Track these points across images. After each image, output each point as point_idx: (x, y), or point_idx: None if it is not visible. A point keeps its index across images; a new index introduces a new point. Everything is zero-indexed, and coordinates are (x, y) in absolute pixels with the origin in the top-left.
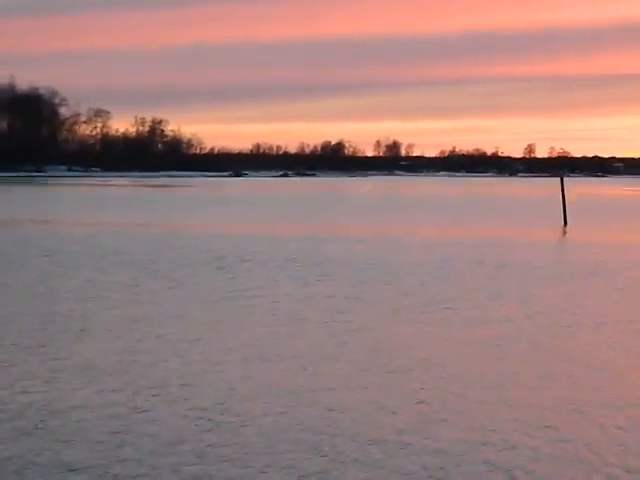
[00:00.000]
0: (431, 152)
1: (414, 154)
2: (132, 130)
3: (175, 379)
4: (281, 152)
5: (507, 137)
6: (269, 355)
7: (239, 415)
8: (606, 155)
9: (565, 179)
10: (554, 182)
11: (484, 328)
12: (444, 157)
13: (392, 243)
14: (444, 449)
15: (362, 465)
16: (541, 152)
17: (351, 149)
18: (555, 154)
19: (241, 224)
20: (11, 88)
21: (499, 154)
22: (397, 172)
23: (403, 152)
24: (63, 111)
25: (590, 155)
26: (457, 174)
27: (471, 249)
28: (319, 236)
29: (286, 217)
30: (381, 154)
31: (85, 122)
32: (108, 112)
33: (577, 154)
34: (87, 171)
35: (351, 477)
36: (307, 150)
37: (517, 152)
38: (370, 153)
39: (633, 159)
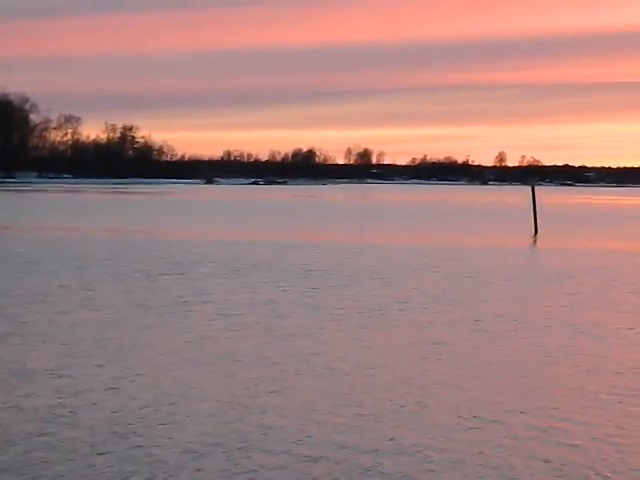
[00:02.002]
0: (402, 160)
1: (385, 162)
2: (103, 137)
3: (104, 384)
4: (252, 160)
5: (478, 145)
6: (203, 359)
7: (166, 418)
8: (577, 164)
9: (536, 188)
10: (525, 190)
11: (424, 333)
12: (415, 165)
13: (355, 250)
14: (366, 447)
15: (289, 471)
16: (512, 161)
17: (322, 157)
18: (526, 163)
19: (207, 230)
20: None
21: (470, 162)
22: (368, 180)
23: (374, 160)
24: (34, 117)
25: (561, 164)
26: (428, 182)
27: (434, 256)
28: (281, 243)
29: (250, 224)
30: (352, 162)
31: (56, 128)
32: (79, 118)
33: (548, 163)
34: (58, 177)
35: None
36: (278, 158)
37: (488, 160)
38: (341, 161)
39: (603, 168)
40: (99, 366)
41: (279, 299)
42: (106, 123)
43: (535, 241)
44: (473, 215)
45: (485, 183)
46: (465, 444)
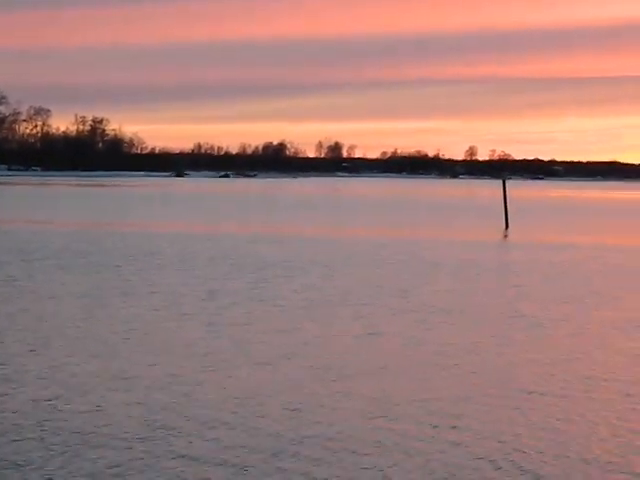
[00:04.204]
0: (373, 154)
1: (356, 156)
2: (73, 129)
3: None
4: (222, 153)
5: (448, 139)
6: (132, 348)
7: (95, 404)
8: (546, 158)
9: (506, 182)
10: (495, 184)
11: (361, 323)
12: (386, 159)
13: (313, 243)
14: (279, 431)
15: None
16: (482, 155)
17: (293, 150)
18: (496, 157)
19: (170, 223)
20: None
21: (440, 156)
22: (339, 174)
23: (345, 154)
24: (3, 109)
25: (531, 158)
26: (398, 176)
27: (397, 249)
28: (241, 236)
29: (215, 217)
30: (323, 155)
31: (25, 121)
32: (49, 110)
33: (518, 157)
34: (27, 170)
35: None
36: (249, 151)
37: (458, 154)
38: (312, 154)
39: (573, 162)
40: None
41: (225, 291)
42: (76, 115)
43: (506, 235)
44: (444, 209)
45: (456, 177)
46: (368, 433)
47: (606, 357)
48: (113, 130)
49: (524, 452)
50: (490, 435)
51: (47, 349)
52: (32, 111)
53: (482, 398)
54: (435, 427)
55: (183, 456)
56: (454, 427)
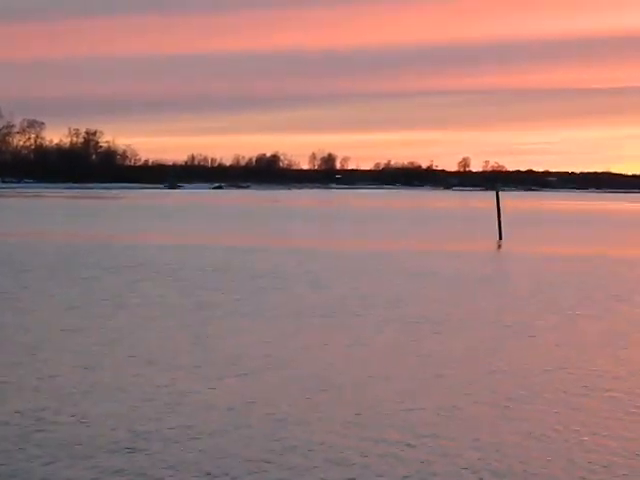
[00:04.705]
0: (366, 165)
1: (349, 167)
2: (66, 141)
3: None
4: (216, 164)
5: (442, 151)
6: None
7: (55, 417)
8: (540, 169)
9: (500, 193)
10: (489, 195)
11: (346, 332)
12: (379, 170)
13: (304, 255)
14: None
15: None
16: (475, 166)
17: (286, 162)
18: (489, 168)
19: (161, 235)
20: None
21: (434, 168)
22: (332, 185)
23: (338, 165)
24: None
25: (524, 169)
26: (392, 187)
27: (388, 261)
28: (232, 247)
29: (205, 229)
30: (316, 167)
31: (19, 133)
32: (42, 123)
33: (511, 168)
34: (20, 182)
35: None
36: (242, 162)
37: (452, 166)
38: (305, 166)
39: (566, 173)
40: None
41: (213, 302)
42: (69, 128)
43: (499, 246)
44: (438, 220)
45: (449, 188)
46: (352, 443)
47: (592, 367)
48: (107, 142)
49: (507, 462)
50: (473, 445)
51: (33, 360)
52: (25, 123)
53: (466, 408)
54: (419, 437)
55: (167, 467)
56: (437, 437)
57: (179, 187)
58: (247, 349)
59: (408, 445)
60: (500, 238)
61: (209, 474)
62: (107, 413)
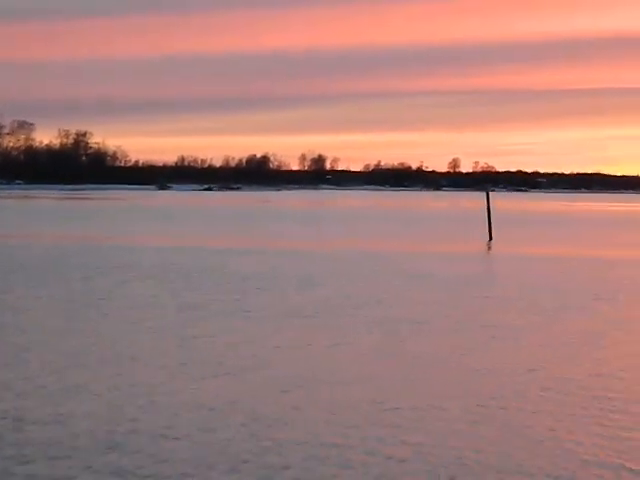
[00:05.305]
0: (356, 166)
1: (339, 168)
2: (56, 142)
3: None
4: (206, 165)
5: (432, 152)
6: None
7: (32, 417)
8: (529, 170)
9: (490, 194)
10: (479, 196)
11: (325, 334)
12: (369, 171)
13: (291, 255)
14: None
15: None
16: (465, 167)
17: (276, 163)
18: (479, 169)
19: (148, 236)
20: None
21: (424, 168)
22: (322, 186)
23: (328, 166)
24: None
25: (514, 170)
26: (382, 188)
27: (376, 261)
28: (218, 249)
29: (192, 230)
30: (306, 168)
31: (9, 134)
32: (32, 124)
33: (501, 169)
34: (10, 183)
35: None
36: (232, 163)
37: (442, 166)
38: (295, 167)
39: (556, 173)
40: None
41: (198, 303)
42: (59, 129)
43: (489, 247)
44: (428, 221)
45: (439, 189)
46: (330, 442)
47: (571, 368)
48: (96, 143)
49: (485, 462)
50: (451, 444)
51: (16, 361)
52: (15, 125)
53: (446, 407)
54: (397, 436)
55: (147, 466)
56: (416, 436)
57: (169, 188)
58: (230, 349)
59: (385, 444)
60: (490, 239)
61: (187, 474)
62: (86, 413)
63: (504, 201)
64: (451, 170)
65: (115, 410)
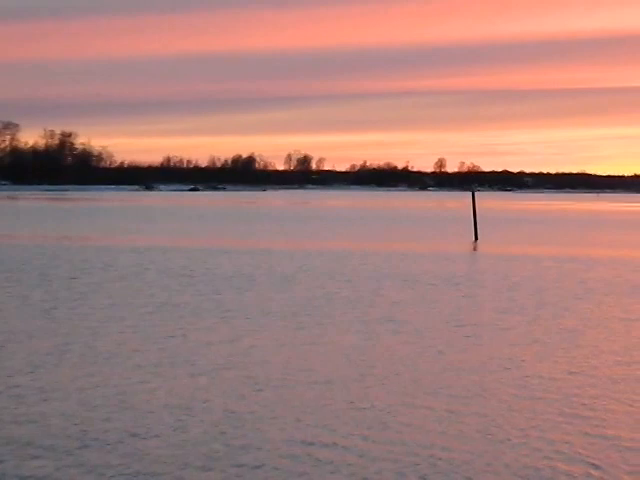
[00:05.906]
0: (342, 166)
1: (325, 168)
2: (41, 143)
3: None
4: (192, 166)
5: (417, 151)
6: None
7: (5, 417)
8: (515, 170)
9: (476, 193)
10: (465, 196)
11: (304, 333)
12: (355, 171)
13: (276, 256)
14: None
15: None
16: (451, 167)
17: (262, 163)
18: (465, 169)
19: (130, 237)
20: None
21: (410, 168)
22: (308, 186)
23: (314, 166)
24: None
25: (499, 170)
26: (368, 188)
27: (359, 261)
28: (199, 248)
29: (177, 230)
30: (292, 168)
31: None
32: (17, 125)
33: (487, 169)
34: None
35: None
36: (218, 164)
37: (428, 166)
38: (281, 167)
39: (542, 173)
40: None
41: (175, 303)
42: (45, 129)
43: (475, 247)
44: (414, 221)
45: (424, 189)
46: (301, 441)
47: (546, 366)
48: (82, 144)
49: (454, 461)
50: (421, 443)
51: None
52: (0, 126)
53: (421, 405)
54: (369, 434)
55: (118, 465)
56: (387, 434)
57: (154, 189)
58: (206, 349)
59: (357, 443)
60: (476, 239)
61: (160, 473)
62: (60, 412)
63: (490, 201)
64: (437, 170)
65: (89, 409)
